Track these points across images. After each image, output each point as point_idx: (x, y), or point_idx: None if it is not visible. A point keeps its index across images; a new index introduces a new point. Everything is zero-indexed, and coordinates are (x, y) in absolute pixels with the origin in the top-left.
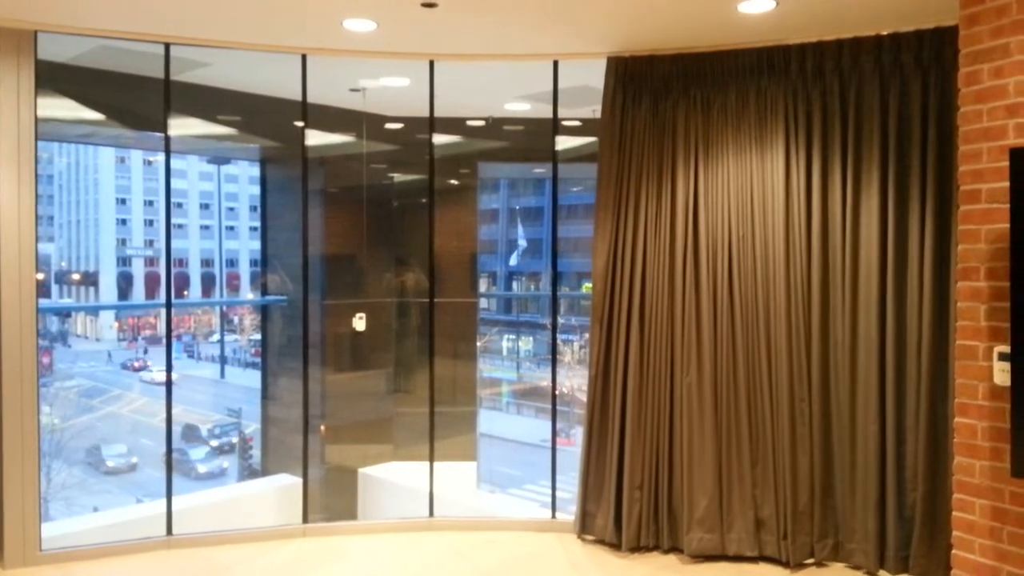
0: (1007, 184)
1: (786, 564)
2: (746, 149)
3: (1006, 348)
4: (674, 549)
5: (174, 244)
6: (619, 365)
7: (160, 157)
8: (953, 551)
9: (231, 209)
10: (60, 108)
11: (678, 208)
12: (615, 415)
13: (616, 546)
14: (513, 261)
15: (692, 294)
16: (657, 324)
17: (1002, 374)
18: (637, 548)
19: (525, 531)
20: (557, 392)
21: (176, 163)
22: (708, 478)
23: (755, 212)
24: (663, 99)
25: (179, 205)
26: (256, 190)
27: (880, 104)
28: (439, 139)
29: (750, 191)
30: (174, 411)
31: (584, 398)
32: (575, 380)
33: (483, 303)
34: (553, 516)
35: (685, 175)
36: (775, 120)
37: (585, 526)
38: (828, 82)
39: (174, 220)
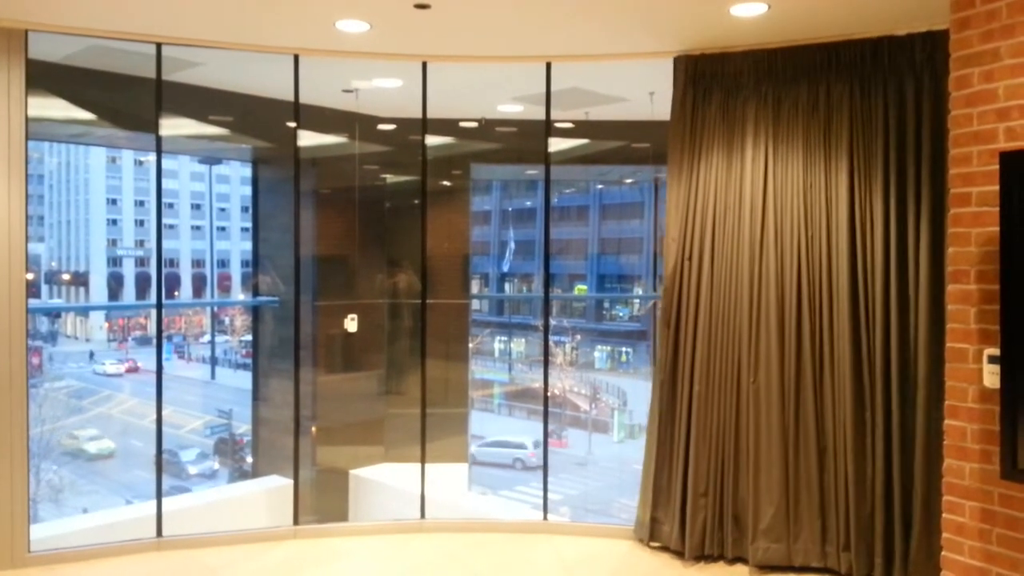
0: (997, 188)
1: None
2: (816, 147)
3: (996, 351)
4: (738, 559)
5: (165, 244)
6: (686, 369)
7: (151, 157)
8: (943, 553)
9: (222, 210)
10: (51, 108)
11: (746, 209)
12: (681, 420)
13: (680, 554)
14: (505, 267)
15: (760, 297)
16: (724, 327)
17: (992, 377)
18: (701, 557)
19: (516, 533)
20: (549, 394)
21: (167, 163)
22: (774, 487)
23: (821, 213)
24: (734, 96)
25: (170, 205)
26: (248, 191)
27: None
28: (432, 140)
29: (820, 191)
30: (169, 413)
31: (576, 400)
32: (567, 382)
33: (475, 304)
34: (545, 518)
35: (754, 175)
36: (840, 118)
37: (652, 533)
38: (892, 78)
39: (165, 220)
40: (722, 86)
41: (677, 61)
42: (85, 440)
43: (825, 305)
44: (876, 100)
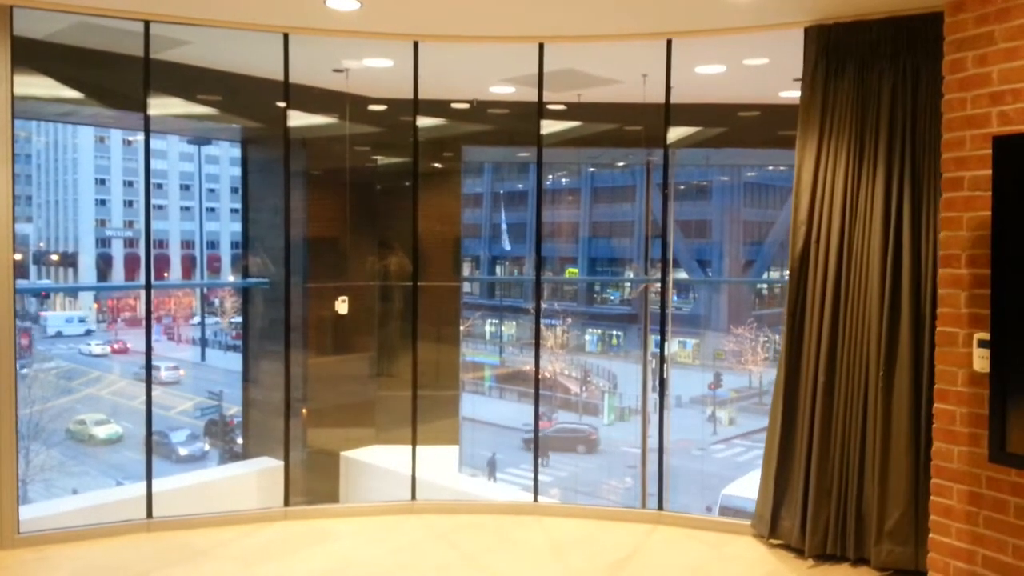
0: (989, 172)
1: None
2: None
3: (986, 335)
4: (862, 560)
5: (154, 225)
6: (811, 359)
7: (140, 137)
8: (930, 535)
9: (212, 190)
10: (38, 86)
11: (878, 192)
12: (805, 413)
13: (800, 552)
14: (507, 246)
15: (893, 289)
16: (852, 319)
17: (981, 360)
18: (823, 556)
19: (507, 514)
20: (540, 377)
21: (156, 143)
22: (902, 488)
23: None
24: (869, 69)
25: (159, 186)
26: (237, 171)
27: None
28: (423, 122)
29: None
30: (159, 394)
31: (567, 383)
32: (557, 364)
33: (466, 287)
34: (535, 499)
35: (889, 155)
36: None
37: (773, 529)
38: None
39: (154, 201)
40: (856, 58)
41: (808, 31)
42: (92, 425)
43: None
44: None
